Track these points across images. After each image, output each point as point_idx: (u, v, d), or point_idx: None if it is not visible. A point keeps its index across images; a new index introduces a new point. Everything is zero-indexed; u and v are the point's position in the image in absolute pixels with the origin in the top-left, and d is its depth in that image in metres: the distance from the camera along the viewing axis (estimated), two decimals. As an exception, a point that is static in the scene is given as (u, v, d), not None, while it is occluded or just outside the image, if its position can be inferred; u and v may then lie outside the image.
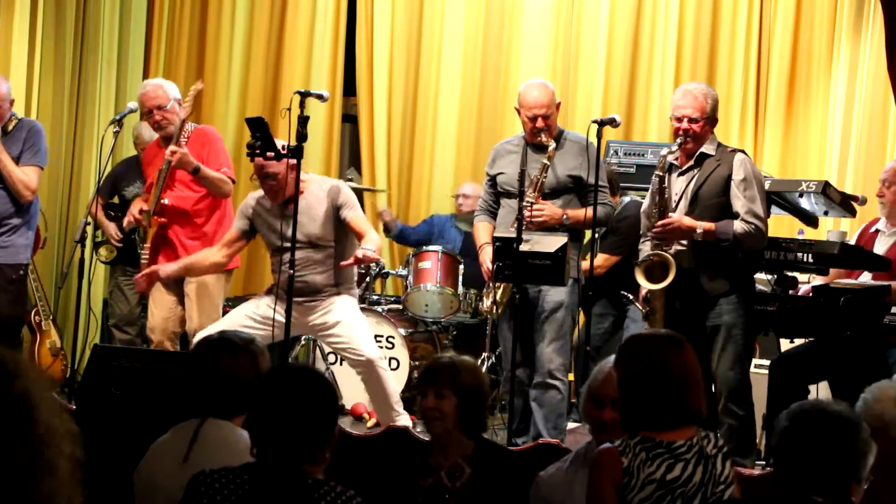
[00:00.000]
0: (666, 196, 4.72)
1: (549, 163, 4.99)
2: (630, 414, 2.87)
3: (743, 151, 4.86)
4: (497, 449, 3.40)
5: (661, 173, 4.72)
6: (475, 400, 3.28)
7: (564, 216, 4.97)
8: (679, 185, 4.78)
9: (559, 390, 4.97)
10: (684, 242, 4.70)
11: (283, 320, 4.71)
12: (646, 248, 4.89)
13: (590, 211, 4.92)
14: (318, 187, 5.07)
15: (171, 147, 5.20)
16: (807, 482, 2.38)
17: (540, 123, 5.01)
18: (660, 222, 4.67)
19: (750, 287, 4.85)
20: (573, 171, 5.05)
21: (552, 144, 4.98)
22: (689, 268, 4.66)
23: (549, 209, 4.96)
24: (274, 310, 4.86)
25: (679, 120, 4.73)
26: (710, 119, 4.77)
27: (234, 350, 2.95)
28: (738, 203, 4.66)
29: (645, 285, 4.69)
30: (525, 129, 5.10)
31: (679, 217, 4.67)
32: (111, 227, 6.29)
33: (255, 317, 5.00)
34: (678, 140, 4.74)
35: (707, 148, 4.77)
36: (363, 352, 4.94)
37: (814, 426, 2.40)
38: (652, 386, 2.82)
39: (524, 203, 4.86)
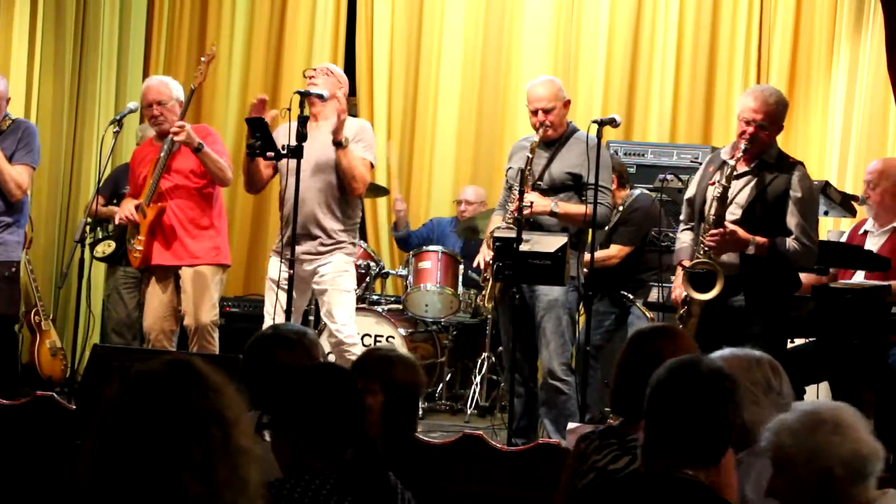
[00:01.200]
0: (727, 205, 4.49)
1: (531, 155, 5.01)
2: (620, 402, 2.93)
3: (802, 164, 4.63)
4: (413, 448, 3.12)
5: (726, 184, 4.46)
6: (405, 400, 2.98)
7: (554, 204, 4.93)
8: (732, 188, 4.53)
9: (563, 392, 4.95)
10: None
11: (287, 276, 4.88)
12: (683, 237, 4.76)
13: (584, 208, 4.91)
14: (350, 121, 5.27)
15: (178, 122, 5.17)
16: (675, 442, 2.22)
17: (541, 117, 5.03)
18: (714, 231, 4.44)
19: (784, 303, 4.65)
20: (573, 169, 5.03)
21: (536, 138, 5.02)
22: (731, 276, 4.47)
23: (536, 199, 4.90)
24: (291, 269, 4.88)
25: (748, 123, 4.46)
26: (779, 127, 4.56)
27: (290, 344, 2.98)
28: (793, 221, 4.45)
29: (692, 294, 4.50)
30: (532, 126, 5.13)
31: (736, 228, 4.44)
32: (115, 210, 6.27)
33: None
34: (743, 144, 4.47)
35: (768, 156, 4.54)
36: (336, 331, 5.13)
37: (685, 380, 2.26)
38: (625, 377, 2.89)
39: (523, 203, 4.85)
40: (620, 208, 5.86)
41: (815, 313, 4.67)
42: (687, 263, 4.58)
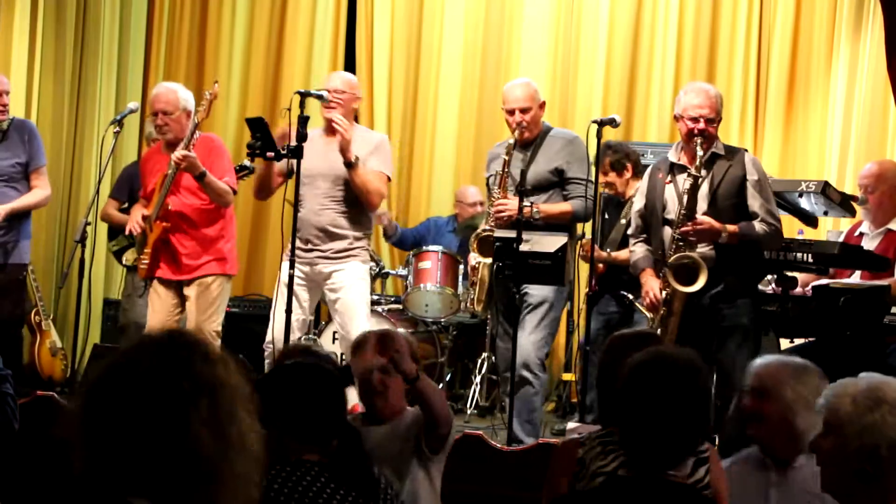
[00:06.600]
0: (696, 198, 4.58)
1: (507, 157, 5.06)
2: (603, 410, 2.87)
3: (746, 150, 4.81)
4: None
5: (696, 174, 4.57)
6: None
7: (535, 210, 4.94)
8: (685, 185, 4.64)
9: (532, 385, 4.98)
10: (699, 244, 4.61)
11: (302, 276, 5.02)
12: (638, 250, 4.83)
13: (566, 206, 4.96)
14: (369, 134, 5.40)
15: (182, 151, 5.15)
16: (651, 435, 2.28)
17: (518, 117, 5.05)
18: (690, 222, 4.55)
19: (758, 288, 4.86)
20: (553, 164, 5.06)
21: (511, 140, 5.06)
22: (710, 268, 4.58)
23: (512, 204, 4.92)
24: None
25: (695, 120, 4.57)
26: (720, 118, 4.70)
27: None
28: (756, 204, 4.58)
29: (677, 287, 4.57)
30: (509, 127, 5.15)
31: (708, 219, 4.54)
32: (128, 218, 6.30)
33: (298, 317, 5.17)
34: (697, 139, 4.56)
35: (717, 148, 4.66)
36: (349, 333, 5.12)
37: (654, 373, 2.33)
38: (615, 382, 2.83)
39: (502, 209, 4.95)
40: None
41: (815, 313, 4.67)
42: (651, 271, 4.71)
